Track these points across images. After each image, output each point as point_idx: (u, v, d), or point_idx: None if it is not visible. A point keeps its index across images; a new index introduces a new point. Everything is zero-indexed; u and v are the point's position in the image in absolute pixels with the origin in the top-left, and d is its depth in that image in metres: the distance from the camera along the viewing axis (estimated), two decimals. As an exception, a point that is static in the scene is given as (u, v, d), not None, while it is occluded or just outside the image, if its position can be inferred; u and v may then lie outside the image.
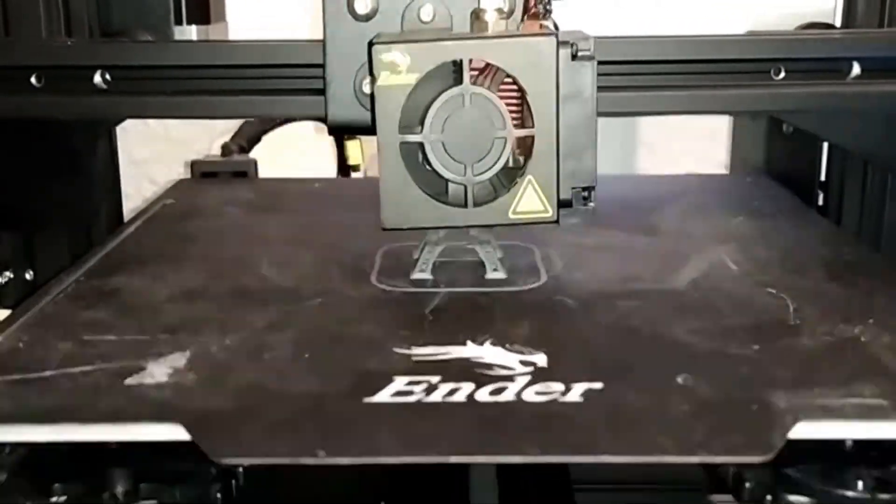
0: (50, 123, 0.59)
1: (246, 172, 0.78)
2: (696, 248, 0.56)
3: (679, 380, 0.38)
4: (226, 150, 0.81)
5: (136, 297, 0.49)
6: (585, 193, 0.46)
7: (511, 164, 0.46)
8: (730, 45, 0.50)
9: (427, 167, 0.46)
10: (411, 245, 0.54)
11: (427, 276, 0.51)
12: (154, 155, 0.98)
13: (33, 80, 0.50)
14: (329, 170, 0.87)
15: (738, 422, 0.35)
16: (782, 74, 0.49)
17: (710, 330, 0.44)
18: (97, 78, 0.50)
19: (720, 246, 0.56)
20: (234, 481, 0.37)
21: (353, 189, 0.76)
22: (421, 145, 0.45)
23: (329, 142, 0.74)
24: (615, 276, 0.52)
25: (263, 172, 0.79)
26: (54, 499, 0.36)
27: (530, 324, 0.45)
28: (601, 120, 0.97)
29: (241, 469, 0.38)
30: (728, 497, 0.39)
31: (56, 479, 0.37)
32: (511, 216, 0.46)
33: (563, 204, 0.46)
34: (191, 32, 0.68)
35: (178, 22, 0.67)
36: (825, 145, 0.69)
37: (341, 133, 0.48)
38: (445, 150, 0.45)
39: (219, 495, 0.37)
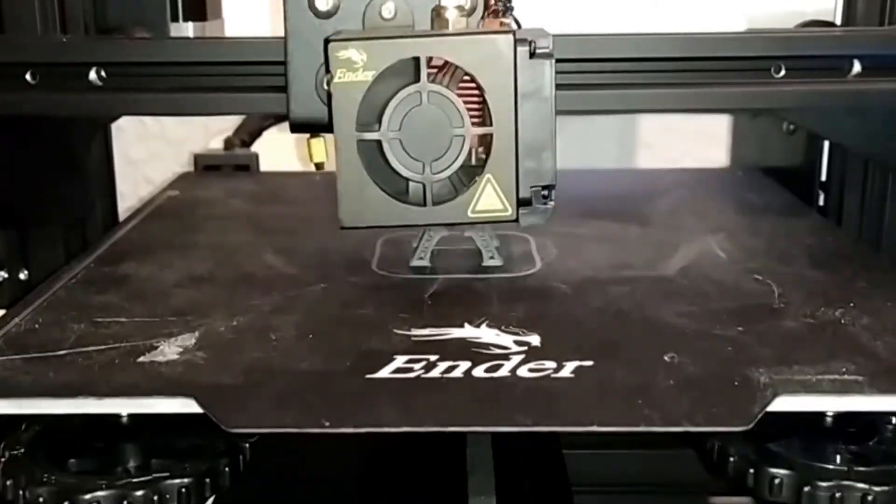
0: (45, 120, 0.59)
1: (248, 165, 0.80)
2: (686, 238, 0.58)
3: (666, 358, 0.40)
4: (228, 143, 0.83)
5: (146, 283, 0.51)
6: (545, 192, 0.46)
7: (474, 162, 0.47)
8: (730, 42, 0.50)
9: (387, 166, 0.46)
10: (411, 234, 0.56)
11: (426, 263, 0.53)
12: (150, 154, 0.99)
13: (28, 76, 0.50)
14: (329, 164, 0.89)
15: (720, 395, 0.37)
16: (782, 72, 0.49)
17: (697, 313, 0.46)
18: (92, 75, 0.49)
19: (709, 235, 0.58)
20: (241, 456, 0.39)
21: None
22: (379, 143, 0.45)
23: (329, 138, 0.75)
24: (607, 264, 0.53)
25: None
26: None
27: (525, 307, 0.46)
28: (600, 119, 0.98)
29: (247, 445, 0.39)
30: (728, 498, 0.41)
31: (70, 454, 0.39)
32: (470, 215, 0.46)
33: (522, 203, 0.46)
34: (187, 29, 0.67)
35: (175, 19, 0.67)
36: (825, 145, 0.69)
37: (303, 131, 0.47)
38: (403, 148, 0.45)
39: (227, 469, 0.38)
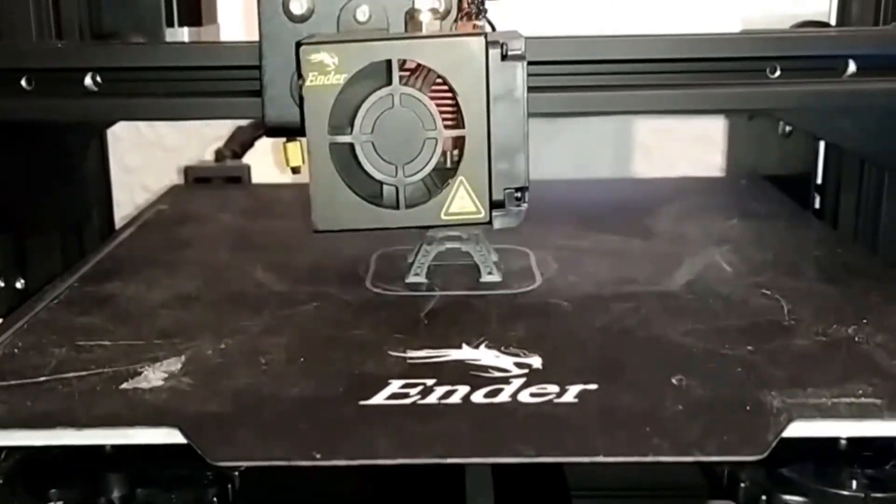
0: (40, 126, 0.59)
1: (240, 178, 0.78)
2: (690, 251, 0.56)
3: (673, 381, 0.39)
4: (219, 155, 0.82)
5: (131, 303, 0.49)
6: (518, 194, 0.45)
7: (448, 165, 0.46)
8: (725, 43, 0.49)
9: (360, 169, 0.45)
10: (406, 249, 0.55)
11: (422, 279, 0.52)
12: (146, 162, 0.98)
13: (23, 82, 0.50)
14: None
15: (732, 422, 0.35)
16: (777, 73, 0.49)
17: (705, 331, 0.44)
18: (88, 80, 0.49)
19: (714, 248, 0.57)
20: (230, 485, 0.38)
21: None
22: (351, 146, 0.44)
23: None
24: (610, 279, 0.52)
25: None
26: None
27: (525, 326, 0.45)
28: (596, 123, 0.98)
29: (237, 473, 0.38)
30: (726, 502, 0.39)
31: (52, 484, 0.37)
32: (443, 217, 0.45)
33: (495, 205, 0.45)
34: (182, 34, 0.67)
35: (170, 24, 0.67)
36: (821, 148, 0.69)
37: (279, 135, 0.47)
38: (376, 151, 0.44)
39: (215, 499, 0.37)
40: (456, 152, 0.46)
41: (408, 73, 0.44)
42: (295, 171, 0.47)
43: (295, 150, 0.47)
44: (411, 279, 0.52)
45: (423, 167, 0.45)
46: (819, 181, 0.69)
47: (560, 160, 0.89)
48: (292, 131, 0.47)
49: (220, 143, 0.83)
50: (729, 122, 0.93)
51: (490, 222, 0.46)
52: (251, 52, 0.48)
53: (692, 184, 0.78)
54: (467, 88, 0.44)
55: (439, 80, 0.44)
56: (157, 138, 0.97)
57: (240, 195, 0.74)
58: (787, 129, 0.73)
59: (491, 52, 0.43)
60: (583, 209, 0.66)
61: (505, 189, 0.45)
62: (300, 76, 0.43)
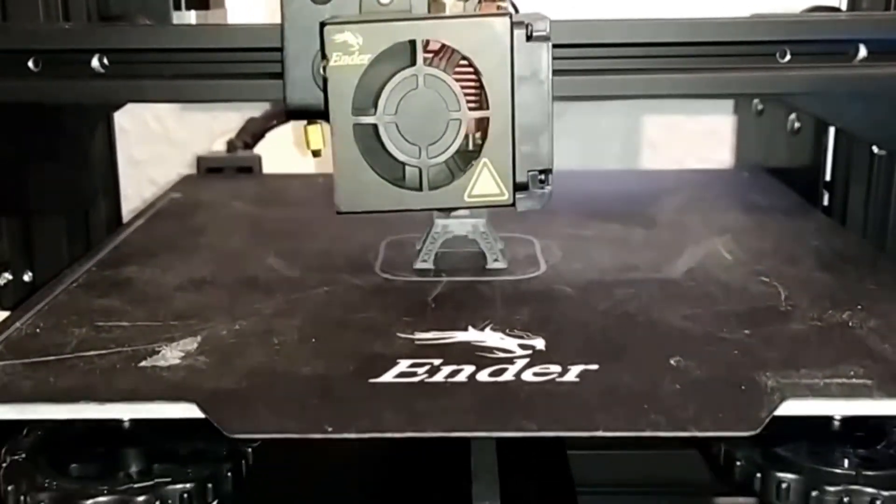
0: (47, 108, 0.59)
1: (251, 168, 0.79)
2: (692, 240, 0.58)
3: (672, 362, 0.40)
4: (231, 146, 0.83)
5: (148, 286, 0.50)
6: (542, 177, 0.46)
7: (471, 147, 0.47)
8: (735, 27, 0.49)
9: (383, 150, 0.45)
10: (414, 237, 0.56)
11: (429, 265, 0.53)
12: (154, 156, 0.99)
13: (31, 64, 0.49)
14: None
15: (727, 400, 0.37)
16: (788, 57, 0.48)
17: (703, 316, 0.45)
18: (95, 62, 0.49)
19: (715, 237, 0.58)
20: (243, 461, 0.39)
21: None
22: (375, 127, 0.44)
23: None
24: (612, 266, 0.53)
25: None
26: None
27: (529, 310, 0.46)
28: (604, 120, 0.98)
29: (250, 449, 0.39)
30: (733, 499, 0.40)
31: (72, 458, 0.39)
32: (467, 199, 0.45)
33: (519, 187, 0.45)
34: (190, 17, 0.67)
35: (177, 7, 0.66)
36: (830, 144, 0.69)
37: (300, 118, 0.47)
38: (400, 133, 0.44)
39: (229, 474, 0.38)
40: (478, 135, 0.46)
41: (431, 55, 0.45)
42: (316, 154, 0.47)
43: (316, 133, 0.47)
44: (419, 265, 0.53)
45: (447, 148, 0.45)
46: (828, 177, 0.69)
47: (567, 155, 0.90)
48: (313, 114, 0.47)
49: (228, 137, 0.85)
50: (737, 118, 0.94)
51: (514, 204, 0.46)
52: (258, 34, 0.48)
53: (695, 176, 0.79)
54: (492, 69, 0.44)
55: (463, 62, 0.44)
56: (164, 132, 0.98)
57: (251, 184, 0.75)
58: (796, 125, 0.73)
59: (516, 32, 0.43)
60: (587, 199, 0.67)
61: (529, 171, 0.45)
62: (324, 57, 0.43)
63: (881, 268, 0.53)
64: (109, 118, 0.74)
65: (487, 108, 0.44)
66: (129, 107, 0.96)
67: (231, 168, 0.79)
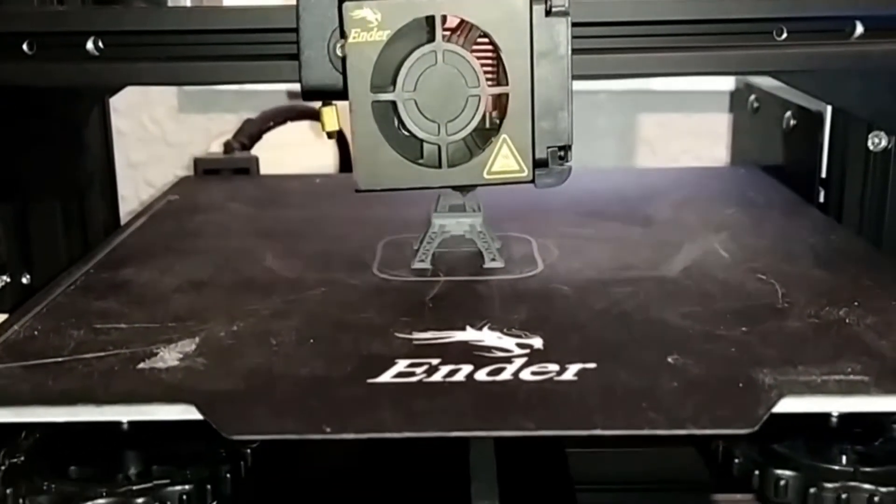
0: (41, 92, 0.58)
1: (248, 169, 0.79)
2: (689, 238, 0.58)
3: (669, 360, 0.40)
4: (228, 147, 0.83)
5: (145, 288, 0.50)
6: (561, 153, 0.45)
7: (488, 126, 0.46)
8: (731, 5, 0.49)
9: (401, 129, 0.45)
10: (411, 237, 0.56)
11: (427, 265, 0.53)
12: (151, 158, 0.99)
13: (25, 47, 0.49)
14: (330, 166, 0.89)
15: (725, 397, 0.37)
16: (784, 35, 0.48)
17: (701, 314, 0.45)
18: (90, 45, 0.48)
19: (712, 235, 0.58)
20: (242, 463, 0.39)
21: (354, 184, 0.78)
22: (394, 105, 0.44)
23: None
24: (610, 265, 0.53)
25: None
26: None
27: (527, 309, 0.46)
28: (600, 118, 0.98)
29: (249, 451, 0.39)
30: (731, 496, 0.40)
31: (71, 461, 0.39)
32: (486, 176, 0.45)
33: (538, 163, 0.45)
34: (185, 0, 0.67)
35: None
36: (826, 141, 0.69)
37: (315, 98, 0.46)
38: (419, 109, 0.44)
39: (228, 476, 0.38)
40: (496, 113, 0.46)
41: (449, 32, 0.44)
42: (331, 136, 0.47)
43: (330, 114, 0.46)
44: (417, 265, 0.53)
45: (466, 125, 0.44)
46: (823, 174, 0.69)
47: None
48: (328, 94, 0.46)
49: (225, 138, 0.85)
50: (733, 116, 0.94)
51: (533, 181, 0.46)
52: (254, 16, 0.47)
53: (691, 174, 0.79)
54: (511, 45, 0.44)
55: (482, 38, 0.44)
56: (161, 133, 0.98)
57: (248, 186, 0.75)
58: (792, 122, 0.73)
59: (535, 7, 0.43)
60: (583, 198, 0.67)
61: (548, 147, 0.45)
62: (342, 34, 0.43)
63: (878, 265, 0.53)
64: (104, 103, 0.74)
65: (507, 83, 0.44)
66: (126, 109, 0.97)
67: (228, 170, 0.79)
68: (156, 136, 0.99)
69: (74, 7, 0.62)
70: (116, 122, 0.81)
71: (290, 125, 0.88)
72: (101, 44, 0.49)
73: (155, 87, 0.98)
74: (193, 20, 0.49)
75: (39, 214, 0.64)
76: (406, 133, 0.45)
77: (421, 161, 0.46)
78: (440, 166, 0.45)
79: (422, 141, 0.45)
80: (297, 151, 0.88)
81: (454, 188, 0.49)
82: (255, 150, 0.85)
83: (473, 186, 0.48)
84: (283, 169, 0.81)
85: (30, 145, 0.62)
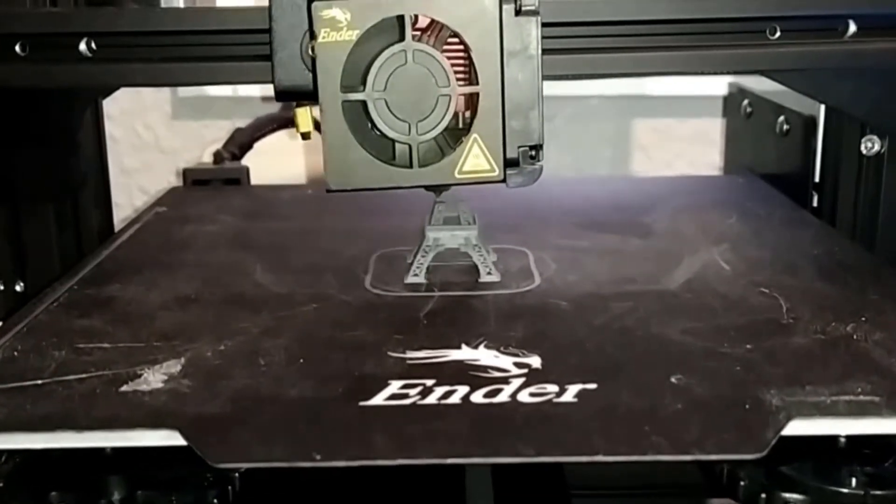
0: (34, 93, 0.58)
1: (238, 179, 0.78)
2: (688, 250, 0.56)
3: (673, 379, 0.39)
4: (218, 157, 0.82)
5: (131, 305, 0.49)
6: (532, 153, 0.45)
7: (460, 126, 0.46)
8: (723, 4, 0.48)
9: (373, 129, 0.45)
10: (405, 250, 0.55)
11: (421, 280, 0.52)
12: (144, 165, 0.98)
13: (17, 48, 0.48)
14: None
15: (731, 420, 0.35)
16: (778, 34, 0.48)
17: (703, 330, 0.44)
18: (82, 46, 0.48)
19: (712, 247, 0.57)
20: (230, 487, 0.38)
21: (346, 195, 0.76)
22: (364, 105, 0.44)
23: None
24: (608, 278, 0.52)
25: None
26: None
27: (524, 326, 0.45)
28: (595, 124, 0.97)
29: (237, 475, 0.38)
30: (726, 500, 0.39)
31: (52, 487, 0.37)
32: (457, 176, 0.45)
33: (509, 163, 0.45)
34: (178, 1, 0.67)
35: None
36: (819, 146, 0.69)
37: (288, 99, 0.46)
38: (389, 109, 0.44)
39: (215, 501, 0.37)
40: (468, 113, 0.46)
41: (420, 32, 0.44)
42: (305, 136, 0.46)
43: (305, 115, 0.46)
44: (410, 280, 0.52)
45: (437, 125, 0.44)
46: (817, 179, 0.69)
47: (558, 161, 0.89)
48: (302, 95, 0.46)
49: (218, 145, 0.83)
50: (726, 121, 0.94)
51: (504, 180, 0.45)
52: (247, 16, 0.47)
53: (689, 182, 0.79)
54: (481, 44, 0.43)
55: (452, 38, 0.44)
56: (154, 140, 0.98)
57: (238, 197, 0.74)
58: (785, 127, 0.73)
59: (505, 7, 0.43)
60: (579, 208, 0.66)
61: (519, 147, 0.45)
62: (312, 34, 0.43)
63: (882, 277, 0.51)
64: (98, 108, 0.73)
65: (477, 83, 0.44)
66: (120, 116, 0.96)
67: (218, 180, 0.78)
68: (149, 143, 0.98)
69: (67, 8, 0.62)
70: (110, 129, 0.81)
71: (280, 133, 0.87)
72: (93, 45, 0.48)
73: (148, 93, 0.98)
74: (187, 21, 0.49)
75: (33, 222, 0.64)
76: (377, 133, 0.45)
77: (392, 161, 0.45)
78: (411, 166, 0.45)
79: (393, 141, 0.45)
80: (287, 160, 0.87)
81: (426, 188, 0.48)
82: (246, 160, 0.83)
83: (446, 186, 0.48)
84: (274, 178, 0.80)
85: (22, 148, 0.62)
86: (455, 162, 0.45)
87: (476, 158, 0.45)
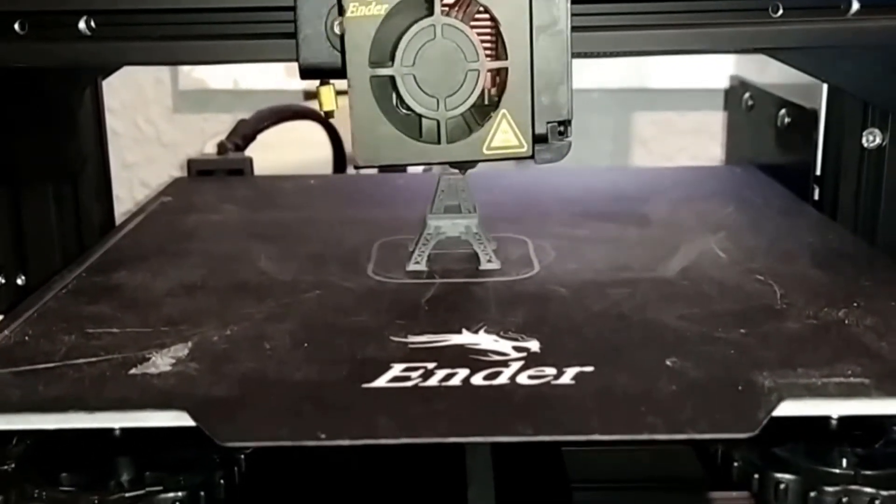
0: (33, 72, 0.58)
1: (242, 170, 0.79)
2: (686, 238, 0.57)
3: (668, 362, 0.39)
4: (221, 148, 0.82)
5: (138, 292, 0.50)
6: (561, 128, 0.45)
7: (487, 102, 0.46)
8: None
9: (400, 105, 0.45)
10: (407, 238, 0.55)
11: (422, 267, 0.52)
12: (145, 158, 0.99)
13: (17, 27, 0.48)
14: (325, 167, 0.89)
15: (724, 401, 0.36)
16: (780, 12, 0.48)
17: (699, 315, 0.45)
18: (82, 24, 0.48)
19: (709, 235, 0.57)
20: (236, 468, 0.38)
21: (349, 185, 0.77)
22: (392, 80, 0.44)
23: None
24: (606, 266, 0.53)
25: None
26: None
27: (524, 312, 0.46)
28: (595, 116, 0.98)
29: (243, 456, 0.39)
30: (727, 494, 0.40)
31: (63, 467, 0.38)
32: (486, 151, 0.45)
33: (538, 139, 0.45)
34: None
35: None
36: (820, 139, 0.69)
37: (313, 77, 0.46)
38: (417, 84, 0.44)
39: (222, 482, 0.38)
40: (495, 90, 0.45)
41: (448, 7, 0.44)
42: (329, 115, 0.46)
43: (328, 93, 0.46)
44: (412, 267, 0.52)
45: (466, 100, 0.44)
46: (818, 172, 0.69)
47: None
48: (326, 73, 0.46)
49: (219, 138, 0.84)
50: (727, 114, 0.94)
51: (533, 156, 0.45)
52: None
53: (687, 173, 0.79)
54: (510, 18, 0.43)
55: (481, 13, 0.44)
56: (155, 134, 0.98)
57: (242, 187, 0.75)
58: (786, 120, 0.73)
59: None
60: (579, 198, 0.67)
61: (548, 122, 0.45)
62: (340, 9, 0.43)
63: (876, 265, 0.52)
64: (97, 84, 0.73)
65: (506, 58, 0.44)
66: (121, 109, 0.96)
67: (222, 171, 0.79)
68: (150, 137, 0.99)
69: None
70: (111, 122, 0.81)
71: (284, 125, 0.88)
72: (93, 23, 0.48)
73: (150, 87, 0.98)
74: None
75: (34, 215, 0.64)
76: (405, 109, 0.45)
77: (420, 137, 0.45)
78: (439, 142, 0.44)
79: (420, 116, 0.45)
80: (291, 151, 0.88)
81: (453, 164, 0.48)
82: (249, 151, 0.84)
83: (474, 163, 0.47)
84: (278, 170, 0.81)
85: (21, 129, 0.62)
86: (483, 138, 0.45)
87: (504, 134, 0.45)
